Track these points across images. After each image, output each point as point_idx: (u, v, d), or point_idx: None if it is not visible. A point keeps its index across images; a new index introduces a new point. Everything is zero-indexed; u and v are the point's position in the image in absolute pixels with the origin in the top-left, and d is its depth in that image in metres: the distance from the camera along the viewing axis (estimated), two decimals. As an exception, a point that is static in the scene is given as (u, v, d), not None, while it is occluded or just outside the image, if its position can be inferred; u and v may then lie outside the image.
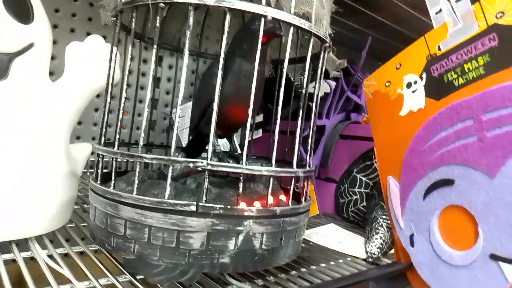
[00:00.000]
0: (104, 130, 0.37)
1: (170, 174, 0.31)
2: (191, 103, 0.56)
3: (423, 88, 0.40)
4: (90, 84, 0.45)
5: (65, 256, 0.36)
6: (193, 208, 0.30)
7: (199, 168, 0.31)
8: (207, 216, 0.31)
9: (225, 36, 0.32)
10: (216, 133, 0.41)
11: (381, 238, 0.43)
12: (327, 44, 0.39)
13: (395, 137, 0.43)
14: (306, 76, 0.37)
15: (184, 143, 0.61)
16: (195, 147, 0.45)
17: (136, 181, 0.32)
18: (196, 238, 0.31)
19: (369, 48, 0.68)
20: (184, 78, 0.32)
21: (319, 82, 0.39)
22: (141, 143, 0.32)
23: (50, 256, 0.36)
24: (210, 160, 0.31)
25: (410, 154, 0.41)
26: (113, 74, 0.38)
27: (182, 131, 0.63)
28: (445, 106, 0.38)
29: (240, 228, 0.32)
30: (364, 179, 0.55)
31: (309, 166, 0.39)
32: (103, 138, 0.37)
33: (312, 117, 0.39)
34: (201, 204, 0.31)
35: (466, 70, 0.37)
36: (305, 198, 0.38)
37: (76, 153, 0.46)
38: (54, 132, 0.42)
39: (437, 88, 0.39)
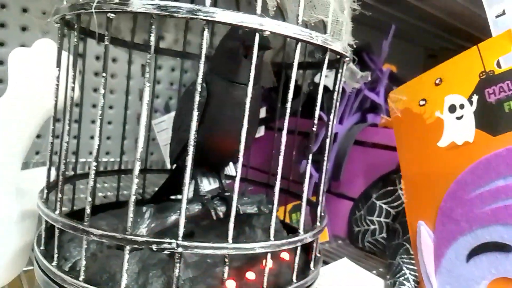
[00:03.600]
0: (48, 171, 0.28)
1: (126, 257, 0.22)
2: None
3: (473, 115, 0.30)
4: (40, 100, 0.35)
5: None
6: (158, 306, 0.22)
7: (167, 252, 0.22)
8: (178, 316, 0.22)
9: (202, 58, 0.22)
10: (200, 170, 0.32)
11: (407, 297, 0.35)
12: (347, 58, 0.29)
13: (431, 172, 0.34)
14: (318, 102, 0.27)
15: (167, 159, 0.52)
16: (175, 184, 0.36)
17: (84, 262, 0.23)
18: None
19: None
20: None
21: (335, 109, 0.29)
22: (88, 210, 0.23)
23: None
24: (182, 237, 0.22)
25: (450, 200, 0.32)
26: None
27: (166, 146, 0.54)
28: (504, 145, 0.28)
29: (224, 327, 0.23)
30: (384, 206, 0.46)
31: (320, 219, 0.30)
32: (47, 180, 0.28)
33: (326, 153, 0.30)
34: (168, 300, 0.22)
35: (537, 97, 0.27)
36: (315, 262, 0.30)
37: (30, 183, 0.37)
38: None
39: (493, 118, 0.29)
